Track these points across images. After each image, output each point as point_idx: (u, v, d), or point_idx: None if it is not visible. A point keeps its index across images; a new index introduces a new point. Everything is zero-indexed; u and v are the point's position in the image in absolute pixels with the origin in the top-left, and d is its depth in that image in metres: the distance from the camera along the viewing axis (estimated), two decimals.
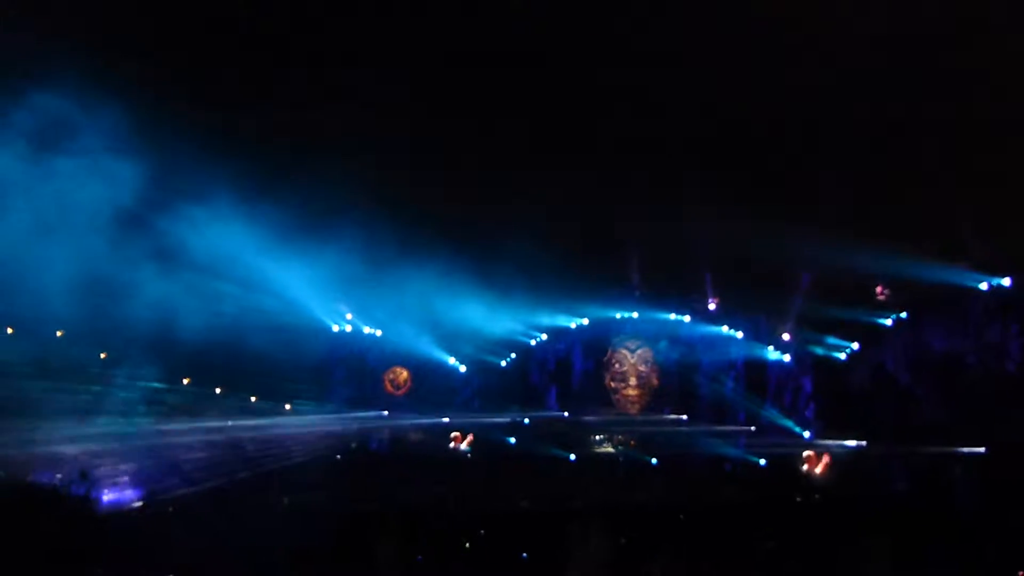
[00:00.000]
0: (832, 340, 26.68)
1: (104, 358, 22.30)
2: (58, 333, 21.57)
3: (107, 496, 17.29)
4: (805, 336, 26.97)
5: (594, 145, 22.78)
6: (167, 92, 17.34)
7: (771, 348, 27.50)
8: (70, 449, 20.65)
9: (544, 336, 28.14)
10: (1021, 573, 15.53)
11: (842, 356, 26.72)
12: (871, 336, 26.34)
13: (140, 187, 17.16)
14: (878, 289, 26.60)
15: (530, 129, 22.92)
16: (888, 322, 26.32)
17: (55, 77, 16.22)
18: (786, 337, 27.36)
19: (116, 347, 21.00)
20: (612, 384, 28.11)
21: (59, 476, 18.33)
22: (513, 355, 27.95)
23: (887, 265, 25.09)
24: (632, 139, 22.39)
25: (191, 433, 22.99)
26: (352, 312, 27.05)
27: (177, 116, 17.14)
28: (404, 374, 27.81)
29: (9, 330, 21.20)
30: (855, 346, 26.52)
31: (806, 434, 26.77)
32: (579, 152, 23.02)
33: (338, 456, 24.29)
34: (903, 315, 26.17)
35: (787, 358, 27.42)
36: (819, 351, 26.98)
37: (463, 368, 27.52)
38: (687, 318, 27.81)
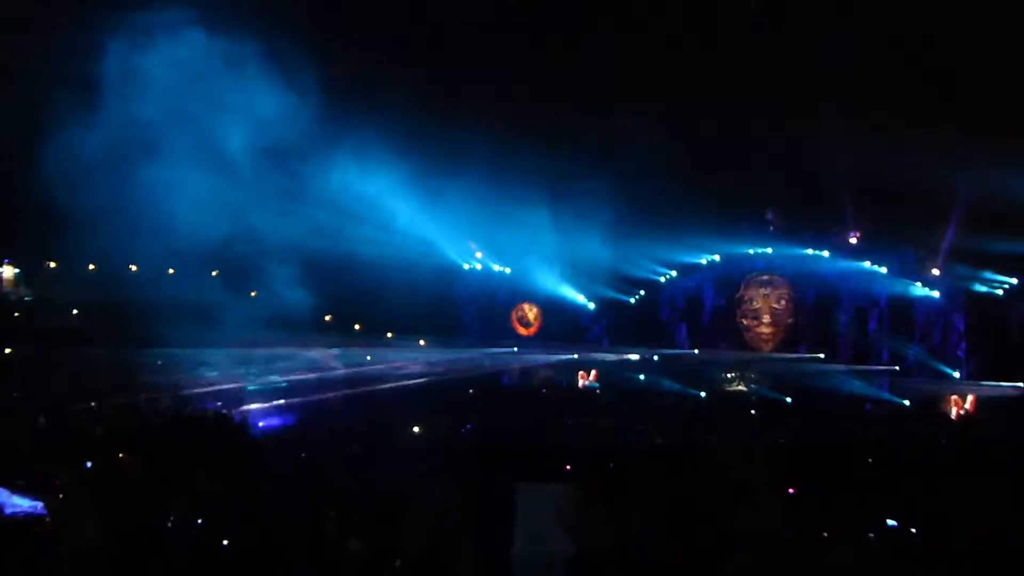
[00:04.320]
0: (988, 275, 24.86)
1: (254, 297, 23.70)
2: (213, 273, 23.12)
3: (261, 423, 18.62)
4: (957, 271, 25.26)
5: (726, 70, 21.83)
6: (307, 36, 17.79)
7: (919, 284, 25.98)
8: (226, 383, 22.47)
9: (674, 273, 27.73)
10: None
11: (999, 292, 24.90)
12: None
13: (280, 130, 17.81)
14: None
15: (660, 58, 22.22)
16: None
17: (212, 15, 16.72)
18: (936, 272, 25.75)
19: (263, 287, 22.28)
20: (744, 321, 27.45)
21: (219, 404, 19.94)
22: (642, 292, 27.74)
23: None
24: (766, 60, 21.28)
25: (333, 367, 24.40)
26: (482, 250, 27.53)
27: (313, 60, 17.60)
28: (533, 311, 28.18)
29: (171, 271, 22.84)
30: (1014, 281, 24.64)
31: (957, 374, 25.31)
32: (711, 80, 22.15)
33: (470, 390, 25.00)
34: None
35: (937, 294, 25.86)
36: (973, 287, 25.26)
37: (592, 305, 27.59)
38: (825, 253, 26.65)
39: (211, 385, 22.17)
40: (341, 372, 24.34)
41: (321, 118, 17.83)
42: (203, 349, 22.37)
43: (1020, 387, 23.73)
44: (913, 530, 7.40)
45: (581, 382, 27.14)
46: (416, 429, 18.40)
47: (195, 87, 17.02)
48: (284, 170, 19.28)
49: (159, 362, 22.13)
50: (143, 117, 16.43)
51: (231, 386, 22.51)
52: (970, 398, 24.72)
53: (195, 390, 21.38)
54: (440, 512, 2.91)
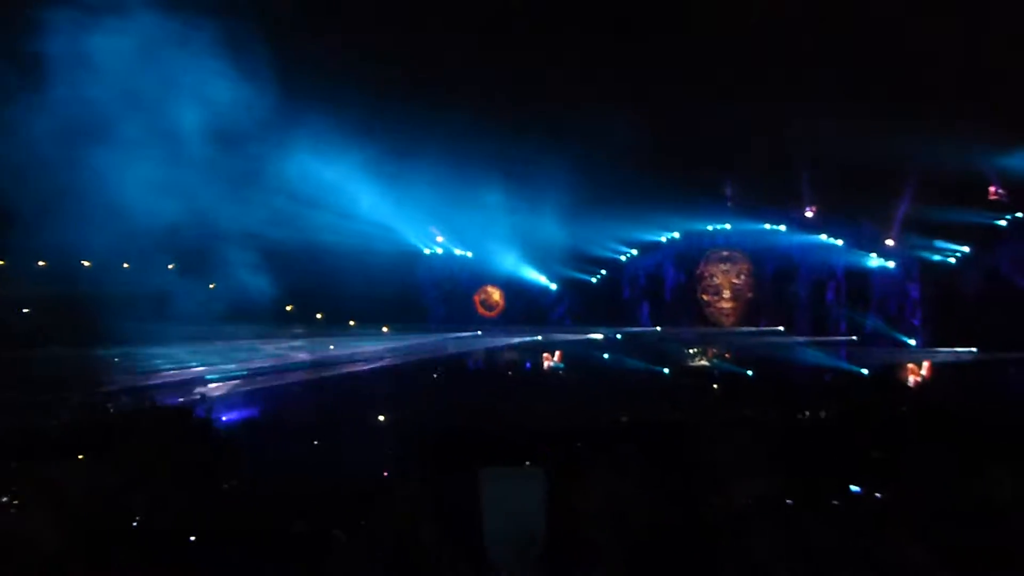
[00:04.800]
0: (941, 244, 25.41)
1: (212, 288, 23.29)
2: (169, 266, 22.66)
3: (224, 416, 18.35)
4: (911, 241, 25.78)
5: (682, 48, 21.86)
6: (263, 18, 17.36)
7: (874, 255, 26.48)
8: (188, 375, 22.10)
9: (635, 251, 27.89)
10: None
11: (952, 261, 25.48)
12: (984, 239, 24.92)
13: (235, 117, 17.43)
14: (992, 188, 25.02)
15: (617, 37, 22.18)
16: (1003, 223, 24.82)
17: None
18: (890, 243, 26.24)
19: (221, 277, 21.90)
20: (705, 297, 27.74)
21: (180, 399, 19.60)
22: (604, 271, 27.87)
23: (1001, 162, 23.53)
24: (723, 38, 21.35)
25: (296, 356, 24.14)
26: (443, 235, 27.39)
27: (269, 44, 17.20)
28: (496, 294, 28.17)
29: (125, 265, 22.32)
30: (966, 250, 25.22)
31: (913, 342, 25.88)
32: (669, 58, 22.17)
33: (435, 375, 24.93)
34: (1020, 215, 24.64)
35: (892, 265, 26.37)
36: (927, 256, 25.81)
37: (554, 286, 27.64)
38: (783, 227, 27.00)
39: (170, 379, 21.78)
40: (304, 363, 24.08)
41: (278, 104, 17.49)
42: (162, 344, 21.96)
43: (974, 352, 24.34)
44: (877, 495, 7.55)
45: (546, 363, 27.24)
46: (381, 417, 18.31)
47: (146, 71, 16.51)
48: (240, 158, 18.90)
49: (116, 359, 21.68)
50: (92, 103, 15.90)
51: (191, 380, 22.15)
52: (926, 365, 25.32)
53: (154, 385, 20.99)
54: (413, 499, 2.87)
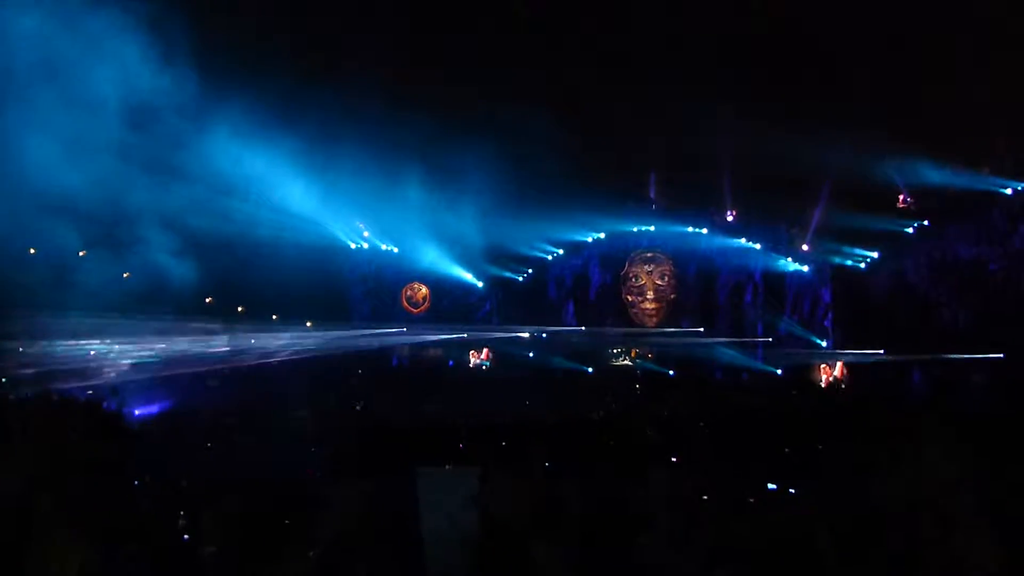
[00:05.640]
0: (852, 249, 26.45)
1: (127, 277, 22.45)
2: (80, 253, 21.75)
3: (137, 411, 17.71)
4: (825, 246, 26.75)
5: (611, 48, 22.17)
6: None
7: (790, 259, 27.35)
8: (99, 366, 21.23)
9: (561, 251, 28.11)
10: None
11: (862, 266, 26.56)
12: (893, 245, 26.05)
13: (159, 103, 16.86)
14: (900, 197, 26.19)
15: (550, 36, 22.33)
16: (910, 230, 26.01)
17: None
18: (805, 248, 27.17)
19: (136, 266, 21.14)
20: (629, 298, 28.17)
21: (90, 392, 18.81)
22: (530, 271, 28.01)
23: (909, 172, 24.64)
24: (650, 40, 21.74)
25: (215, 350, 23.47)
26: (369, 230, 27.06)
27: (193, 28, 16.68)
28: (423, 290, 27.98)
29: (32, 250, 21.32)
30: (875, 255, 26.34)
31: (824, 344, 26.84)
32: (597, 59, 22.45)
33: (359, 371, 24.61)
34: (926, 223, 25.82)
35: (806, 269, 27.30)
36: (839, 261, 26.82)
37: (481, 284, 27.65)
38: (704, 230, 27.64)
39: (81, 370, 20.90)
40: (222, 354, 23.44)
41: (202, 89, 16.98)
42: (71, 333, 21.06)
43: (880, 354, 25.42)
44: (791, 491, 7.80)
45: (472, 360, 27.23)
46: (303, 413, 17.98)
47: (65, 44, 15.77)
48: (161, 142, 18.29)
49: (20, 348, 20.69)
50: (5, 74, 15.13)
51: (100, 368, 21.30)
52: (837, 365, 26.32)
53: (60, 373, 20.09)
54: (348, 499, 2.84)
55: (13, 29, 15.25)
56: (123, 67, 16.39)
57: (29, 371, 19.25)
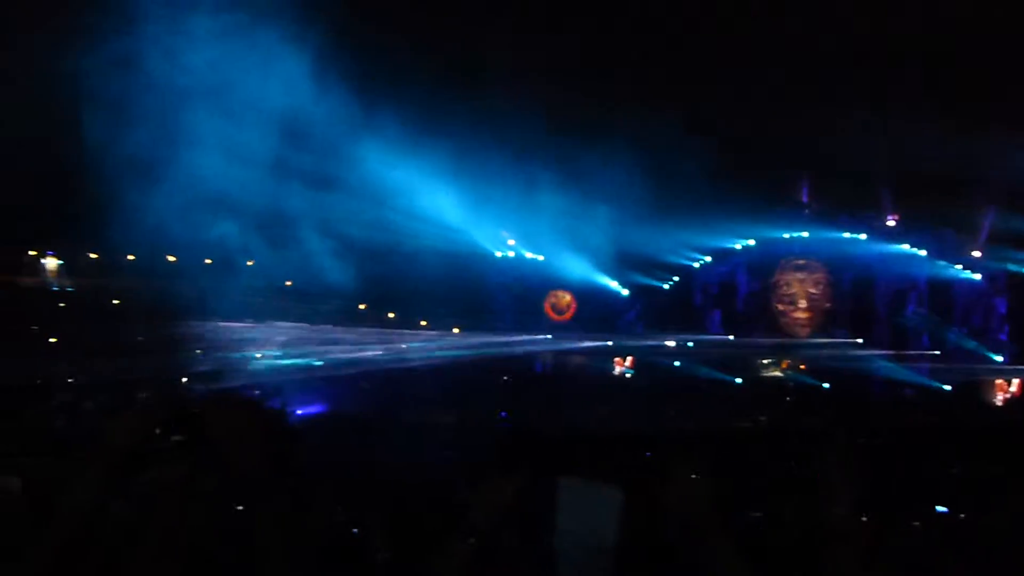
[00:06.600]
0: None
1: (288, 286, 23.89)
2: (248, 263, 23.34)
3: (299, 410, 18.83)
4: (999, 252, 24.79)
5: (756, 52, 21.51)
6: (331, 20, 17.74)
7: (959, 266, 25.54)
8: (267, 371, 22.80)
9: (708, 258, 27.54)
10: None
11: None
12: None
13: (306, 116, 17.87)
14: None
15: (686, 41, 21.96)
16: None
17: None
18: (977, 254, 25.29)
19: (294, 275, 22.46)
20: (780, 307, 27.19)
21: (258, 392, 20.18)
22: (676, 278, 27.61)
23: None
24: (798, 41, 20.92)
25: (369, 354, 24.64)
26: (514, 238, 27.52)
27: (343, 44, 17.59)
28: (567, 298, 28.15)
29: (171, 258, 22.76)
30: None
31: (999, 359, 24.87)
32: (744, 62, 21.85)
33: (505, 377, 25.06)
34: None
35: (978, 277, 25.40)
36: (1016, 268, 24.78)
37: (625, 292, 27.50)
38: (863, 236, 26.28)
39: (248, 370, 22.48)
40: (377, 359, 24.56)
41: (359, 108, 17.87)
42: (245, 335, 22.68)
43: None
44: (962, 515, 7.30)
45: (617, 369, 27.12)
46: (448, 419, 18.50)
47: (228, 69, 17.02)
48: (318, 159, 19.39)
49: (198, 351, 22.44)
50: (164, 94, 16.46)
51: (266, 372, 22.82)
52: (1015, 382, 24.30)
53: (232, 374, 21.66)
54: (496, 503, 2.91)
55: (191, 54, 16.59)
56: (288, 85, 17.51)
57: (207, 371, 20.92)
